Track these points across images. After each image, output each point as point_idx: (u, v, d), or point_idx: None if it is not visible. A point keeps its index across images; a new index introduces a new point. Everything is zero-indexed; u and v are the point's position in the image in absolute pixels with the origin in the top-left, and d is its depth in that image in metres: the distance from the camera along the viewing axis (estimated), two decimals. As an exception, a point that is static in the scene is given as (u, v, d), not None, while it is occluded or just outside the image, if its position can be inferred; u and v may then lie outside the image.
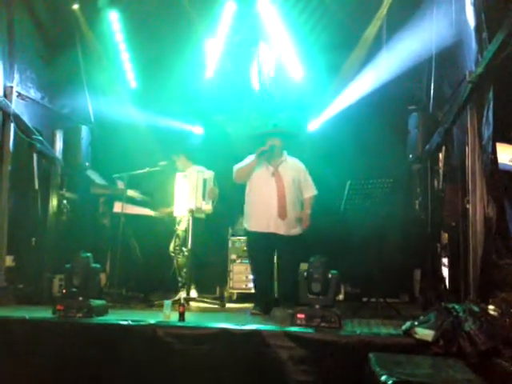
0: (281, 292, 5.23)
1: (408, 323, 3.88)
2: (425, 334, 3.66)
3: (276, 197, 5.08)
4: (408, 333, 3.80)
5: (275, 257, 5.31)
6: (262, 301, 5.10)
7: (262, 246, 5.13)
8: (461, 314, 3.69)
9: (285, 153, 5.34)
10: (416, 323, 3.82)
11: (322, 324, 4.04)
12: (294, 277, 4.79)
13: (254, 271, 5.32)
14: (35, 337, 4.07)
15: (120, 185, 6.32)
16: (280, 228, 5.07)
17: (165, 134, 6.98)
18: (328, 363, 3.75)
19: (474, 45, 4.63)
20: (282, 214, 5.07)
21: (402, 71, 6.18)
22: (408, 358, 3.37)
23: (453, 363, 3.27)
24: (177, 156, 6.29)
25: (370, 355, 3.40)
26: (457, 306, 3.80)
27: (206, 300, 5.69)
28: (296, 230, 5.16)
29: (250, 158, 5.26)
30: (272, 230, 5.07)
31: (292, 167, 5.28)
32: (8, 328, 4.10)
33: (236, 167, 5.33)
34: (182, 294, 5.66)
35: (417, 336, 3.71)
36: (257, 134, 5.44)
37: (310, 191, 5.31)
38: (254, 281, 5.42)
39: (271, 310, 4.79)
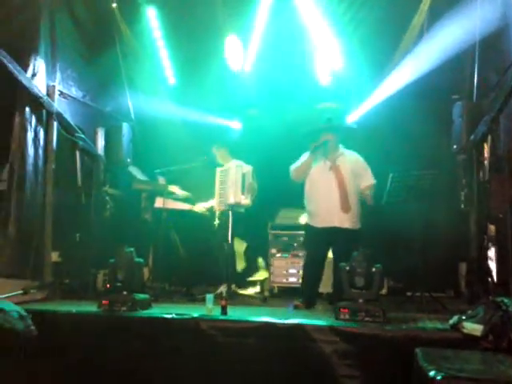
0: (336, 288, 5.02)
1: (455, 317, 3.79)
2: (473, 328, 3.56)
3: (337, 190, 5.01)
4: (455, 327, 3.71)
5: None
6: (307, 295, 5.05)
7: (321, 241, 5.07)
8: (510, 309, 3.57)
9: (341, 146, 5.27)
10: (464, 317, 3.72)
11: (367, 318, 3.99)
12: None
13: (308, 264, 5.24)
14: (82, 330, 4.16)
15: (161, 180, 6.39)
16: (344, 221, 4.99)
17: (203, 130, 7.02)
18: (373, 358, 3.69)
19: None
20: (345, 206, 4.99)
21: (444, 59, 5.99)
22: (456, 352, 3.28)
23: (503, 358, 3.17)
24: (217, 149, 6.31)
25: (417, 350, 3.33)
26: (506, 300, 3.68)
27: (247, 294, 5.69)
28: (358, 224, 5.11)
29: (306, 156, 5.20)
30: (336, 224, 4.99)
31: (350, 159, 5.20)
32: (56, 322, 4.20)
33: (293, 166, 5.26)
34: (223, 288, 5.68)
35: (465, 331, 3.61)
36: (309, 131, 5.30)
37: (369, 180, 5.18)
38: (304, 274, 5.30)
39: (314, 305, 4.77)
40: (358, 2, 6.47)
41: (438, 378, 2.67)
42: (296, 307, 4.89)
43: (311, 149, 5.09)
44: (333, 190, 5.02)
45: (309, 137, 5.24)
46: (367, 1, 6.40)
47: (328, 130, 5.14)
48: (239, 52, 6.83)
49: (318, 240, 5.09)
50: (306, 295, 5.06)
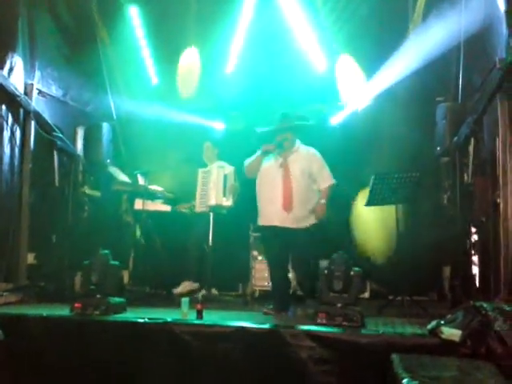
0: (299, 287, 5.01)
1: (434, 322, 3.69)
2: (451, 333, 3.47)
3: (281, 188, 4.79)
4: (434, 332, 3.61)
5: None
6: (278, 298, 4.86)
7: (272, 241, 4.88)
8: (490, 313, 3.48)
9: (297, 142, 5.02)
10: (442, 322, 3.63)
11: (344, 323, 3.89)
12: (306, 270, 4.74)
13: (270, 266, 5.07)
14: (51, 335, 4.03)
15: (141, 181, 6.28)
16: (285, 221, 4.75)
17: (186, 130, 6.91)
18: (349, 364, 3.59)
19: (504, 30, 4.41)
20: (287, 206, 4.75)
21: (428, 61, 5.94)
22: (433, 359, 3.20)
23: (482, 365, 3.08)
24: (211, 147, 6.23)
25: (393, 356, 3.24)
26: (486, 305, 3.59)
27: (227, 298, 5.59)
28: (306, 223, 4.80)
29: (258, 153, 5.02)
30: (277, 223, 4.77)
31: (304, 157, 4.94)
32: (25, 325, 4.07)
33: (246, 162, 5.12)
34: (203, 292, 5.59)
35: (443, 336, 3.52)
36: (265, 132, 5.06)
37: (326, 181, 4.94)
38: (270, 278, 5.08)
39: (289, 308, 4.66)
40: (342, 3, 6.43)
41: (411, 386, 2.58)
42: (266, 314, 4.71)
43: (263, 150, 4.91)
44: (277, 188, 4.82)
45: (266, 135, 5.03)
46: (351, 2, 6.36)
47: (284, 130, 4.91)
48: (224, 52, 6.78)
49: (270, 240, 4.93)
50: (276, 300, 4.86)
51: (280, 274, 4.90)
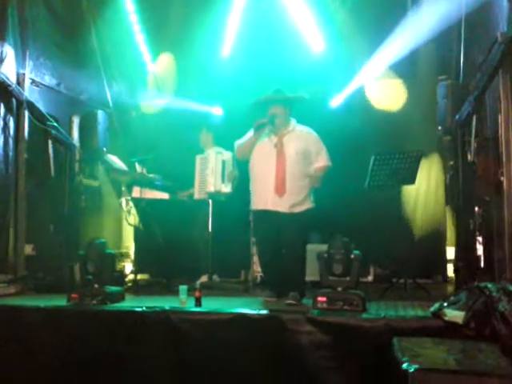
0: (284, 279, 4.53)
1: (436, 304, 3.61)
2: (454, 315, 3.39)
3: (274, 170, 4.49)
4: (437, 315, 3.52)
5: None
6: (274, 285, 4.60)
7: (264, 226, 4.56)
8: (494, 294, 3.39)
9: (293, 121, 4.70)
10: (445, 304, 3.54)
11: (345, 307, 3.81)
12: (299, 260, 4.48)
13: (260, 253, 4.80)
14: (49, 325, 3.97)
15: (139, 169, 6.19)
16: (278, 204, 4.46)
17: (184, 116, 6.82)
18: (350, 348, 3.52)
19: (505, 3, 4.27)
20: (280, 189, 4.46)
21: (429, 38, 5.83)
22: (435, 342, 3.11)
23: (485, 347, 3.00)
24: (206, 133, 6.15)
25: (394, 340, 3.17)
26: (490, 285, 3.50)
27: (227, 284, 5.53)
28: (301, 207, 4.52)
29: (250, 133, 4.68)
30: (269, 207, 4.49)
31: (300, 137, 4.62)
32: (21, 316, 4.02)
33: (237, 143, 4.79)
34: (204, 279, 5.52)
35: (446, 318, 3.44)
36: (256, 103, 4.75)
37: (321, 161, 4.63)
38: (261, 264, 4.89)
39: (288, 293, 4.42)
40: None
41: (411, 370, 2.50)
42: (267, 302, 4.43)
43: (255, 126, 4.56)
44: (270, 169, 4.51)
45: (262, 108, 4.71)
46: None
47: (276, 102, 4.59)
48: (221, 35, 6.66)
49: (261, 224, 4.65)
50: (272, 286, 4.61)
51: (273, 258, 4.59)
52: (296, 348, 3.59)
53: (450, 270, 6.27)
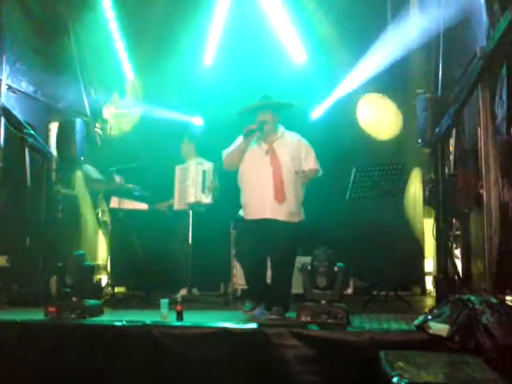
0: (270, 292, 4.41)
1: (421, 317, 3.61)
2: (439, 328, 3.39)
3: (271, 177, 4.34)
4: (421, 328, 3.53)
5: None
6: (256, 298, 4.43)
7: (258, 237, 4.34)
8: (477, 306, 3.41)
9: (281, 128, 4.60)
10: (429, 317, 3.55)
11: (329, 320, 3.78)
12: (288, 273, 4.36)
13: (247, 264, 4.50)
14: (25, 340, 3.84)
15: (117, 179, 6.08)
16: (278, 213, 4.31)
17: (164, 126, 6.75)
18: (336, 362, 3.49)
19: (484, 18, 4.35)
20: (280, 195, 4.31)
21: (408, 51, 5.90)
22: (421, 355, 3.11)
23: (471, 360, 3.00)
24: (188, 142, 6.08)
25: (381, 353, 3.15)
26: (473, 298, 3.52)
27: (207, 297, 5.45)
28: (297, 217, 4.44)
29: (239, 140, 4.53)
30: (269, 215, 4.32)
31: (290, 143, 4.53)
32: (-4, 331, 3.88)
33: (225, 152, 4.63)
34: (183, 292, 5.44)
35: (430, 331, 3.44)
36: (243, 110, 4.63)
37: (311, 163, 4.52)
38: (246, 277, 4.60)
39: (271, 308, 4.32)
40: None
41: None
42: (247, 314, 4.33)
43: (244, 132, 4.42)
44: (266, 176, 4.35)
45: (245, 118, 4.61)
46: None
47: (264, 108, 4.48)
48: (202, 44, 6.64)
49: (251, 235, 4.39)
50: (254, 299, 4.43)
51: (258, 271, 4.45)
52: (281, 362, 3.55)
53: (428, 282, 6.34)
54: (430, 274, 6.39)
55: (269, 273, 4.61)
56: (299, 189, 4.48)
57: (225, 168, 4.75)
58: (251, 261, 4.42)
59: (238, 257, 4.86)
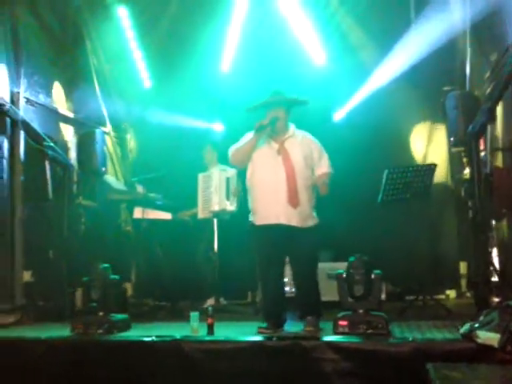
0: (300, 302, 4.17)
1: (467, 325, 3.42)
2: (489, 337, 3.19)
3: (285, 179, 4.03)
4: (468, 337, 3.33)
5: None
6: (274, 314, 4.07)
7: (271, 244, 4.04)
8: (527, 313, 3.22)
9: (292, 126, 4.31)
10: (476, 325, 3.35)
11: (369, 331, 3.60)
12: (313, 280, 4.13)
13: (262, 276, 4.21)
14: (51, 358, 3.73)
15: (139, 189, 5.98)
16: (292, 218, 4.02)
17: (184, 134, 6.64)
18: (377, 376, 3.31)
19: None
20: (293, 199, 4.01)
21: (433, 49, 5.71)
22: (473, 368, 2.92)
23: (527, 373, 2.80)
24: (211, 150, 5.93)
25: (429, 366, 2.95)
26: (521, 304, 3.33)
27: (236, 307, 5.30)
28: (312, 221, 4.15)
29: (249, 136, 4.23)
30: (283, 220, 4.02)
31: (302, 142, 4.23)
32: (23, 349, 3.76)
33: (232, 148, 4.31)
34: (210, 302, 5.29)
35: (479, 340, 3.24)
36: (255, 107, 4.36)
37: (324, 167, 4.24)
38: (262, 289, 4.35)
39: (285, 323, 4.09)
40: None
41: (459, 402, 2.29)
42: (261, 334, 3.86)
43: (256, 127, 4.12)
44: (279, 178, 4.04)
45: (256, 114, 4.33)
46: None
47: (277, 104, 4.19)
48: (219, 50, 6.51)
49: (269, 242, 4.07)
50: (271, 315, 4.06)
51: (278, 285, 4.18)
52: (319, 377, 3.37)
53: (463, 285, 6.12)
54: (463, 276, 6.19)
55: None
56: (312, 191, 4.20)
57: (232, 164, 4.52)
58: (267, 270, 4.14)
59: (258, 268, 4.33)
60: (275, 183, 4.07)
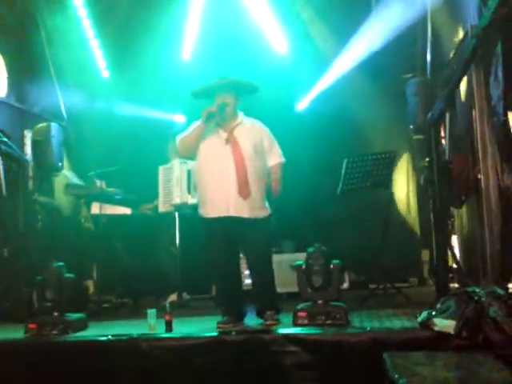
0: (256, 296, 4.04)
1: (424, 313, 3.41)
2: (445, 325, 3.19)
3: (234, 169, 3.84)
4: (425, 325, 3.32)
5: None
6: (232, 308, 3.96)
7: (223, 237, 3.89)
8: (483, 299, 3.22)
9: (240, 113, 4.09)
10: (434, 313, 3.34)
11: (327, 322, 3.57)
12: (268, 272, 3.98)
13: (216, 270, 4.07)
14: (4, 361, 3.59)
15: (98, 183, 5.82)
16: (243, 210, 3.84)
17: (144, 125, 6.50)
18: (337, 367, 3.28)
19: (474, -5, 4.16)
20: (244, 190, 3.83)
21: (394, 36, 5.71)
22: (429, 356, 2.89)
23: (482, 359, 2.79)
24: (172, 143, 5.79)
25: (385, 356, 2.93)
26: (478, 290, 3.32)
27: (198, 302, 5.22)
28: (264, 212, 3.97)
29: (196, 124, 4.02)
30: (232, 212, 3.84)
31: (251, 130, 4.03)
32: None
33: (179, 137, 4.10)
34: (173, 298, 5.20)
35: (436, 328, 3.23)
36: (200, 91, 4.16)
37: (276, 158, 4.08)
38: (218, 283, 4.25)
39: (245, 316, 4.02)
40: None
41: (412, 393, 2.27)
42: (220, 329, 3.75)
43: (204, 115, 3.89)
44: (229, 168, 3.84)
45: (202, 100, 4.17)
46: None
47: (225, 88, 3.96)
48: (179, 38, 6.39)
49: (220, 235, 3.90)
50: (229, 309, 3.94)
51: (233, 277, 4.04)
52: (280, 370, 3.32)
53: (425, 272, 6.18)
54: (426, 263, 6.24)
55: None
56: (264, 181, 4.01)
57: (179, 155, 4.39)
58: (219, 263, 4.00)
59: (210, 261, 4.14)
60: (224, 173, 3.88)
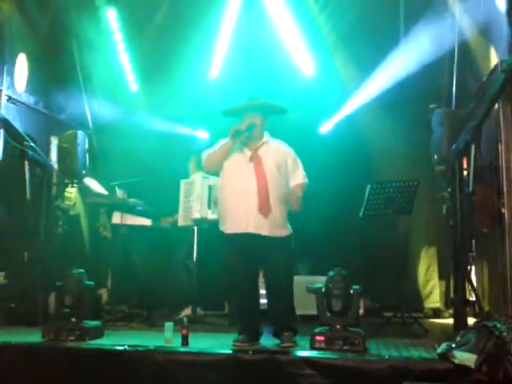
0: (274, 316, 4.00)
1: (444, 345, 3.38)
2: (465, 358, 3.16)
3: (256, 186, 3.88)
4: (445, 357, 3.30)
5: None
6: (248, 326, 3.92)
7: (242, 254, 3.90)
8: (504, 334, 3.20)
9: (266, 134, 4.16)
10: (453, 345, 3.32)
11: (345, 347, 3.55)
12: (287, 293, 3.95)
13: (234, 287, 4.06)
14: (22, 364, 3.61)
15: (119, 193, 5.87)
16: (262, 227, 3.85)
17: (168, 139, 6.57)
18: (353, 393, 3.25)
19: (505, 30, 4.19)
20: (264, 208, 3.85)
21: (421, 66, 5.74)
22: (448, 388, 2.88)
23: (502, 395, 2.77)
24: (194, 158, 5.85)
25: (404, 385, 2.92)
26: (499, 325, 3.30)
27: (212, 318, 5.21)
28: (285, 231, 3.97)
29: (224, 141, 4.09)
30: (252, 229, 3.85)
31: (276, 150, 4.09)
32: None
33: (206, 152, 4.17)
34: (187, 312, 5.20)
35: (456, 361, 3.21)
36: (230, 110, 4.26)
37: (299, 178, 4.10)
38: (236, 301, 4.22)
39: (261, 337, 3.98)
40: (331, 7, 6.17)
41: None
42: (237, 347, 3.70)
43: (232, 132, 3.96)
44: (250, 186, 3.89)
45: (228, 118, 4.29)
46: (340, 5, 6.10)
47: (255, 109, 4.05)
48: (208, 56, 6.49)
49: (239, 252, 3.91)
50: (245, 328, 3.91)
51: (250, 295, 4.01)
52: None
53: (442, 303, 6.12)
54: (442, 294, 6.18)
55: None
56: (284, 201, 4.01)
57: (205, 170, 4.41)
58: (238, 281, 3.99)
59: (229, 278, 4.14)
60: (246, 190, 3.92)
